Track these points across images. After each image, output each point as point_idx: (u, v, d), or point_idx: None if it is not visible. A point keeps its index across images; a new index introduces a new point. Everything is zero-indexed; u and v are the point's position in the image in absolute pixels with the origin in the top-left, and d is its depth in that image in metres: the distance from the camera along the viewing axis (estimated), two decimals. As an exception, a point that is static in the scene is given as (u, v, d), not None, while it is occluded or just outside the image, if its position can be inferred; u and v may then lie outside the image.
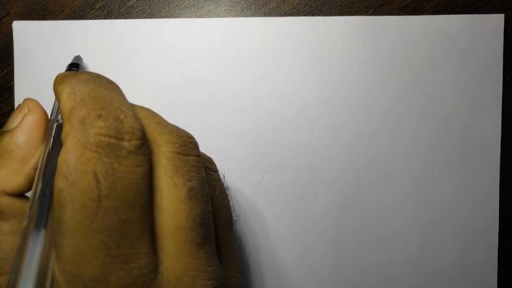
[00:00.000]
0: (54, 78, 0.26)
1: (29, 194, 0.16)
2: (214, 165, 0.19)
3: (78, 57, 0.25)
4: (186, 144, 0.16)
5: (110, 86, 0.15)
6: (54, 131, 0.16)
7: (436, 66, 0.26)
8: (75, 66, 0.24)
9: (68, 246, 0.13)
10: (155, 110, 0.17)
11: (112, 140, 0.13)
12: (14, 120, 0.16)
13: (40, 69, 0.26)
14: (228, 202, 0.19)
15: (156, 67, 0.26)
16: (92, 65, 0.26)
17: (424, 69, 0.26)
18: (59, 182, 0.13)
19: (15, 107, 0.26)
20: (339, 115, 0.26)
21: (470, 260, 0.26)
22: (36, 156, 0.16)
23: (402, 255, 0.26)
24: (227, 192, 0.19)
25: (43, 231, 0.14)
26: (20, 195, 0.16)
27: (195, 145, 0.16)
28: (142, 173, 0.14)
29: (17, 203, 0.16)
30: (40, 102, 0.17)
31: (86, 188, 0.13)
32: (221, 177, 0.19)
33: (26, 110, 0.16)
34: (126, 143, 0.13)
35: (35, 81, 0.26)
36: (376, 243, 0.26)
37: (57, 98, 0.15)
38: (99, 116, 0.13)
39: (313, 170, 0.26)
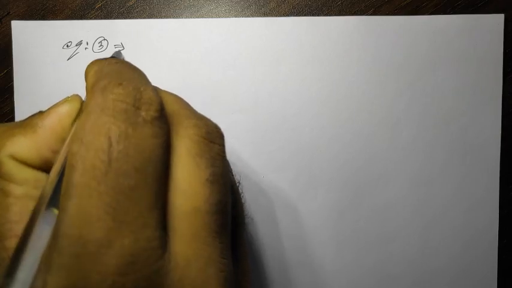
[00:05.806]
0: (53, 78, 0.26)
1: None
2: (231, 169, 0.19)
3: (118, 53, 0.25)
4: (213, 132, 0.16)
5: (135, 70, 0.16)
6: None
7: (436, 66, 0.26)
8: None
9: (72, 207, 0.12)
10: None
11: (129, 107, 0.13)
12: (55, 106, 0.17)
13: (40, 69, 0.26)
14: (242, 203, 0.19)
15: (156, 67, 0.26)
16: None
17: (424, 69, 0.26)
18: (74, 147, 0.13)
19: (15, 107, 0.26)
20: (339, 115, 0.26)
21: (470, 260, 0.26)
22: (54, 140, 0.16)
23: (402, 255, 0.26)
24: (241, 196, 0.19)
25: (54, 210, 0.14)
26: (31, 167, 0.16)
27: (221, 135, 0.16)
28: (157, 145, 0.14)
29: (26, 170, 0.16)
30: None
31: (98, 149, 0.13)
32: (237, 182, 0.19)
33: (68, 100, 0.17)
34: (143, 112, 0.14)
35: (34, 81, 0.26)
36: (376, 243, 0.26)
37: (85, 78, 0.16)
38: (120, 84, 0.14)
39: (313, 170, 0.26)
